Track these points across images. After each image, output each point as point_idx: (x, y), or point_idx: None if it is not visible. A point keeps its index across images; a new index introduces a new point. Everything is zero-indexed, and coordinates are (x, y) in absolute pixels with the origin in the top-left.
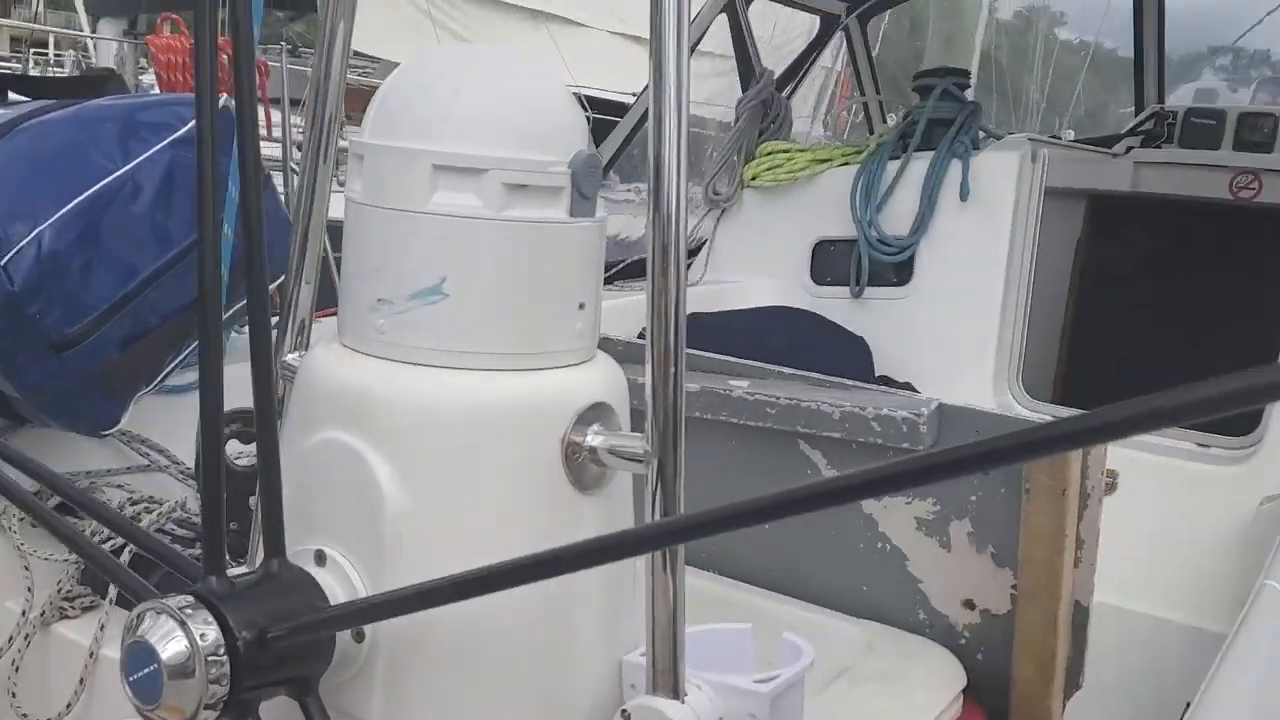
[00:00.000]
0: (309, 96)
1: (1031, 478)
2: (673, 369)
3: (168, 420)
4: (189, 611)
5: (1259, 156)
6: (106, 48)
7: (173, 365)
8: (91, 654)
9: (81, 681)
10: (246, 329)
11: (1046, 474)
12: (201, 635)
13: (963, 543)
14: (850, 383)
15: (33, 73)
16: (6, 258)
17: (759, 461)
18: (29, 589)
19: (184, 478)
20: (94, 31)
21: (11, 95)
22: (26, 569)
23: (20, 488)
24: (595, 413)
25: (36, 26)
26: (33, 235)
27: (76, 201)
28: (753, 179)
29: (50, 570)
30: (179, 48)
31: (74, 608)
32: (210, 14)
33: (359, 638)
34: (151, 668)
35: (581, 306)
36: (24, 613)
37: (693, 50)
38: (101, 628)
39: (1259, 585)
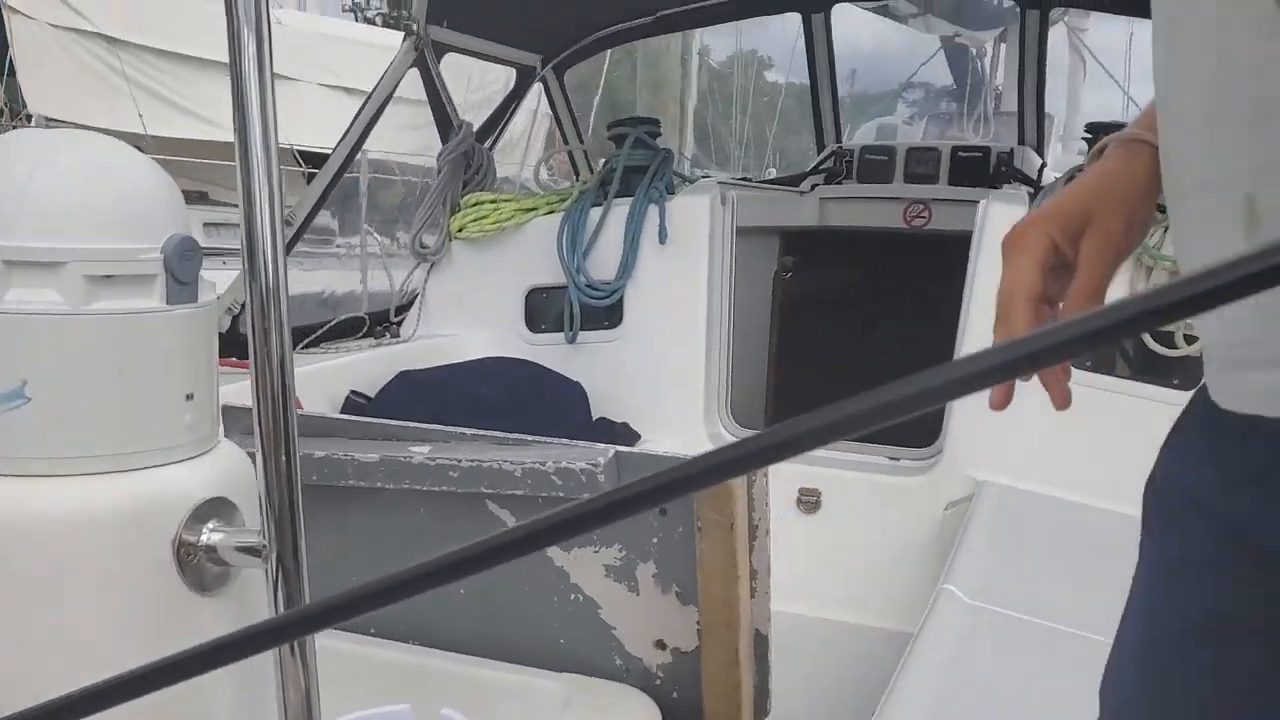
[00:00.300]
0: None
1: (702, 515)
2: (284, 454)
3: None
4: None
5: (927, 187)
6: None
7: None
8: None
9: None
10: None
11: (714, 510)
12: None
13: (649, 585)
14: (531, 438)
15: None
16: None
17: (448, 527)
18: None
19: None
20: None
21: None
22: None
23: None
24: (212, 508)
25: None
26: None
27: None
28: (460, 230)
29: None
30: None
31: None
32: None
33: None
34: None
35: (190, 397)
36: None
37: (385, 104)
38: None
39: (938, 589)
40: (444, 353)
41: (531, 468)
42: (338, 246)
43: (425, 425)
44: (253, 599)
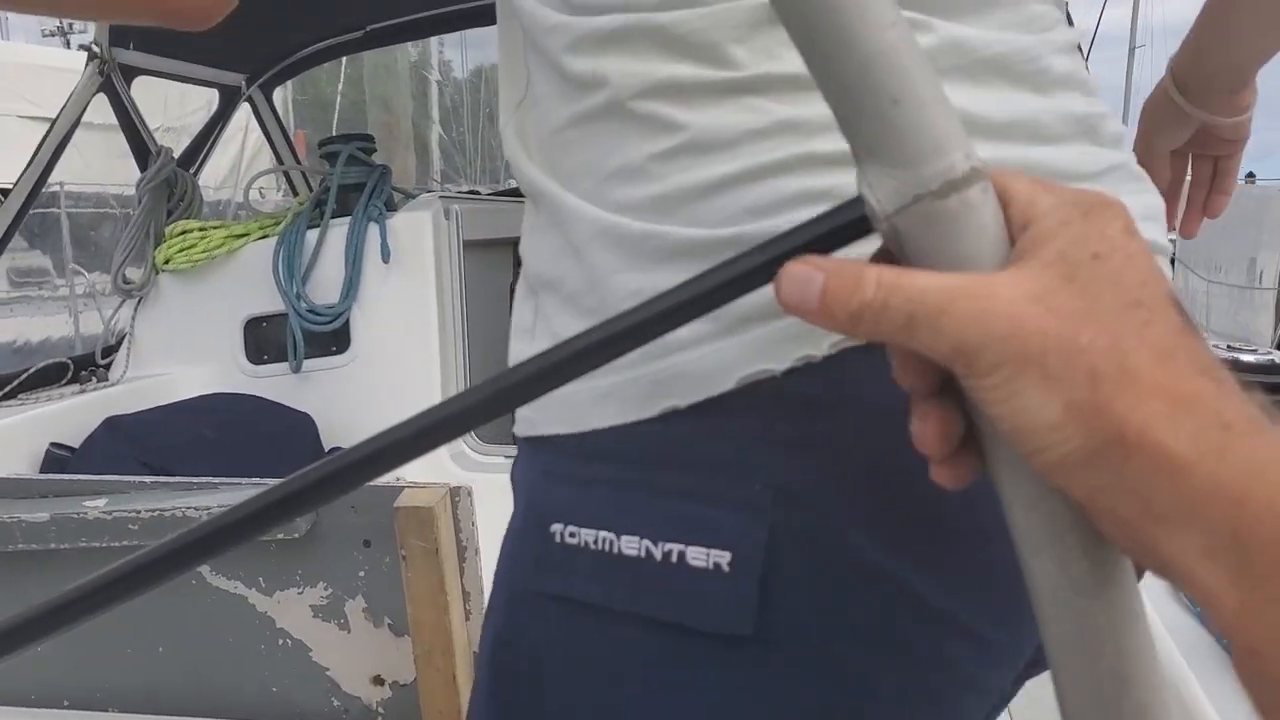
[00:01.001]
0: None
1: (405, 543)
2: None
3: None
4: None
5: None
6: None
7: None
8: None
9: None
10: None
11: (417, 536)
12: None
13: (360, 621)
14: (217, 480)
15: None
16: None
17: None
18: None
19: None
20: None
21: None
22: None
23: None
24: None
25: None
26: None
27: None
28: (166, 262)
29: None
30: None
31: None
32: None
33: None
34: None
35: None
36: None
37: (70, 134)
38: None
39: None
40: (157, 394)
41: (219, 512)
42: (40, 288)
43: (102, 477)
44: None
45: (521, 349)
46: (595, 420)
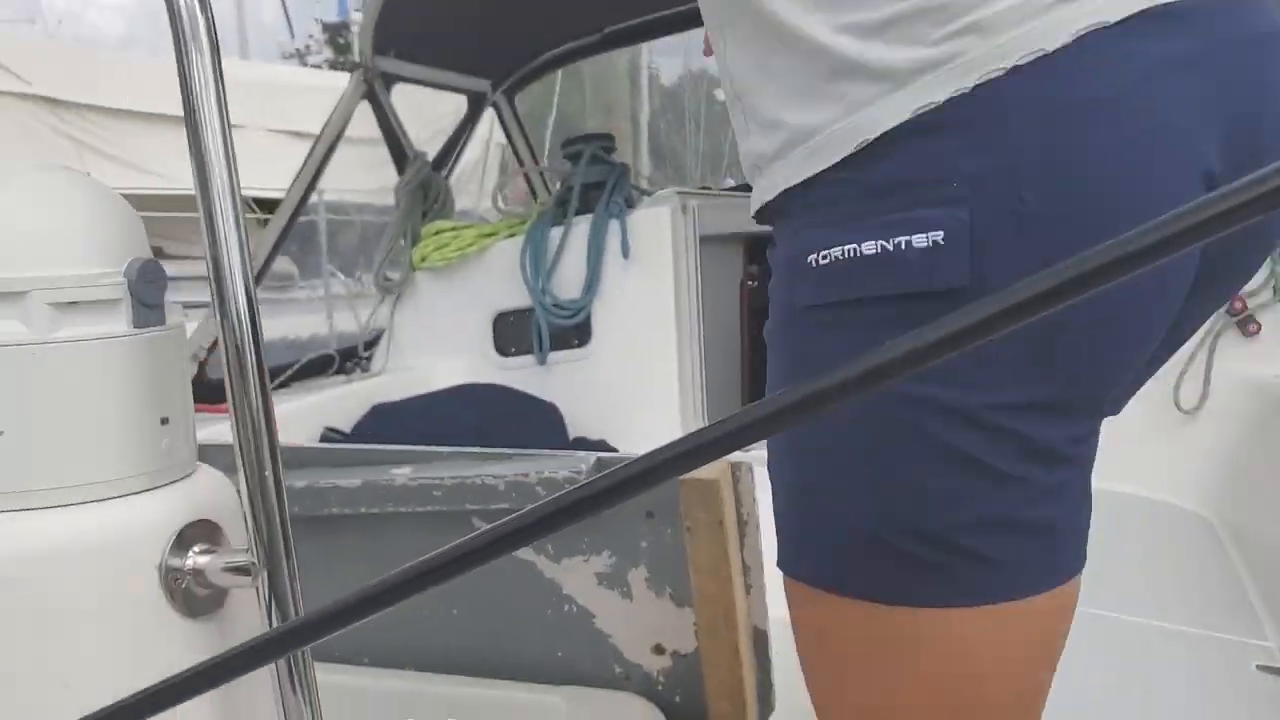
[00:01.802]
0: None
1: (690, 515)
2: (267, 471)
3: None
4: None
5: None
6: None
7: None
8: None
9: None
10: None
11: (702, 508)
12: None
13: (642, 590)
14: (511, 451)
15: None
16: None
17: (435, 547)
18: None
19: None
20: None
21: None
22: None
23: None
24: (197, 531)
25: None
26: None
27: None
28: (422, 260)
29: None
30: None
31: None
32: None
33: None
34: None
35: (165, 421)
36: None
37: (338, 140)
38: None
39: None
40: (415, 383)
41: (515, 480)
42: (300, 288)
43: (404, 447)
44: (244, 622)
45: (749, 147)
46: (813, 168)
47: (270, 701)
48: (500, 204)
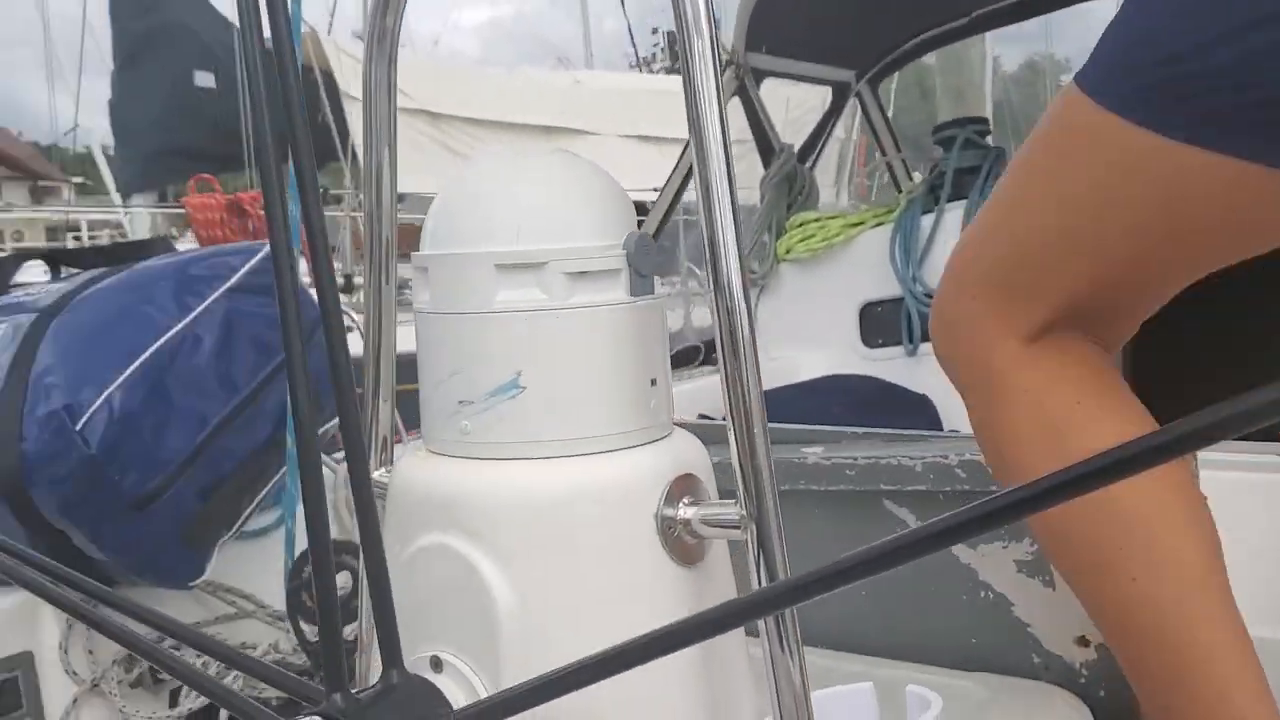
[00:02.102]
0: (366, 222)
1: None
2: (756, 428)
3: (249, 566)
4: None
5: None
6: (140, 223)
7: (250, 510)
8: None
9: None
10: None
11: None
12: None
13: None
14: (925, 433)
15: None
16: (81, 423)
17: (844, 527)
18: None
19: (273, 620)
20: (126, 211)
21: (63, 269)
22: None
23: (140, 635)
24: (684, 485)
25: (72, 209)
26: (103, 399)
27: (141, 360)
28: (787, 252)
29: None
30: (213, 204)
31: None
32: (277, 163)
33: None
34: None
35: (653, 383)
36: None
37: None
38: None
39: None
40: (782, 373)
41: (933, 462)
42: (662, 285)
43: (814, 427)
44: (719, 576)
45: None
46: None
47: (736, 660)
48: (850, 196)
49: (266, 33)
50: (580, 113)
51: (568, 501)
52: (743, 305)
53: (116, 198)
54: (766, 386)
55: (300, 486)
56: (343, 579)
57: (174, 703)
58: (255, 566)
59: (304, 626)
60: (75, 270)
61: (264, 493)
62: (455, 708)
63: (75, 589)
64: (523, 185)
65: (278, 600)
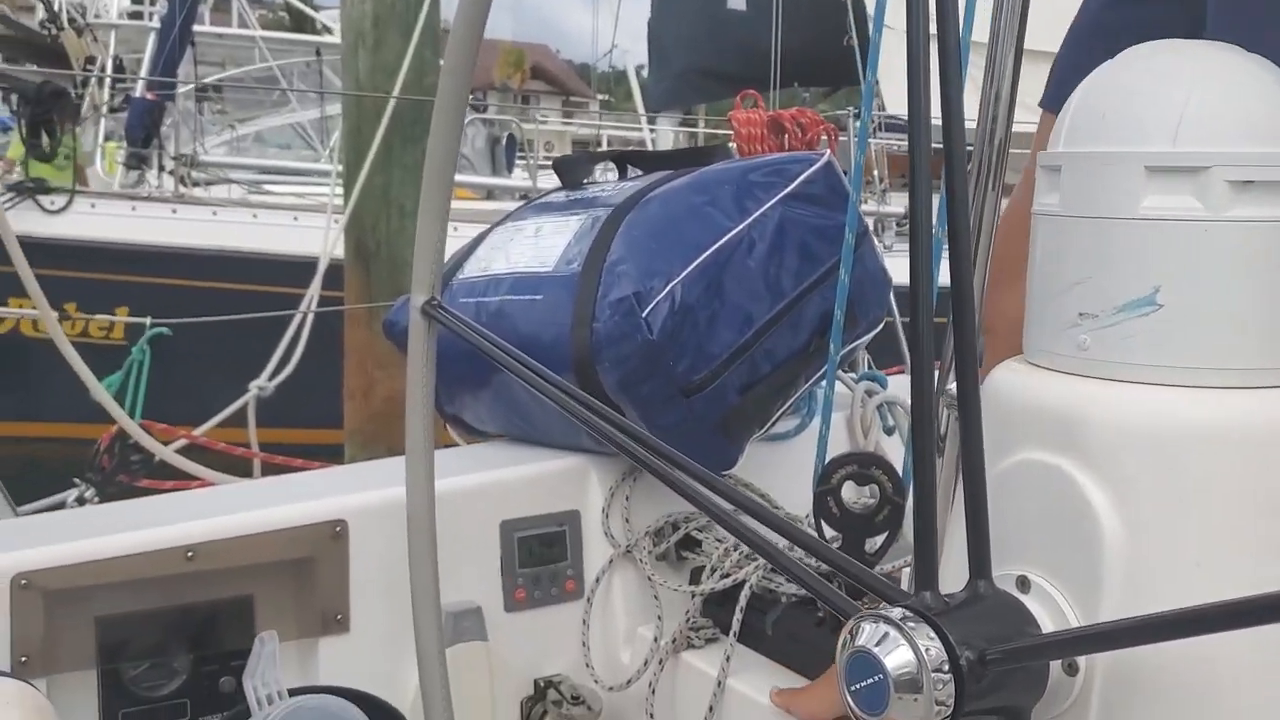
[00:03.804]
0: (979, 125)
1: None
2: None
3: (770, 467)
4: (910, 625)
5: None
6: (664, 139)
7: (780, 412)
8: (719, 683)
9: (711, 709)
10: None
11: None
12: (926, 649)
13: None
14: None
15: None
16: (647, 310)
17: None
18: (659, 617)
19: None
20: (652, 131)
21: (629, 170)
22: (656, 599)
23: (718, 502)
24: None
25: (601, 125)
26: (667, 290)
27: (702, 258)
28: None
29: (676, 601)
30: (756, 120)
31: (698, 638)
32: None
33: (1071, 670)
34: (876, 678)
35: None
36: (656, 639)
37: None
38: (727, 659)
39: None
40: None
41: None
42: None
43: None
44: None
45: None
46: None
47: None
48: None
49: None
50: None
51: (1207, 438)
52: None
53: (644, 121)
54: None
55: (916, 411)
56: (871, 491)
57: (694, 580)
58: (771, 470)
59: (827, 532)
60: (639, 172)
61: (795, 397)
62: (1041, 631)
63: (660, 458)
64: (1183, 79)
65: (791, 505)
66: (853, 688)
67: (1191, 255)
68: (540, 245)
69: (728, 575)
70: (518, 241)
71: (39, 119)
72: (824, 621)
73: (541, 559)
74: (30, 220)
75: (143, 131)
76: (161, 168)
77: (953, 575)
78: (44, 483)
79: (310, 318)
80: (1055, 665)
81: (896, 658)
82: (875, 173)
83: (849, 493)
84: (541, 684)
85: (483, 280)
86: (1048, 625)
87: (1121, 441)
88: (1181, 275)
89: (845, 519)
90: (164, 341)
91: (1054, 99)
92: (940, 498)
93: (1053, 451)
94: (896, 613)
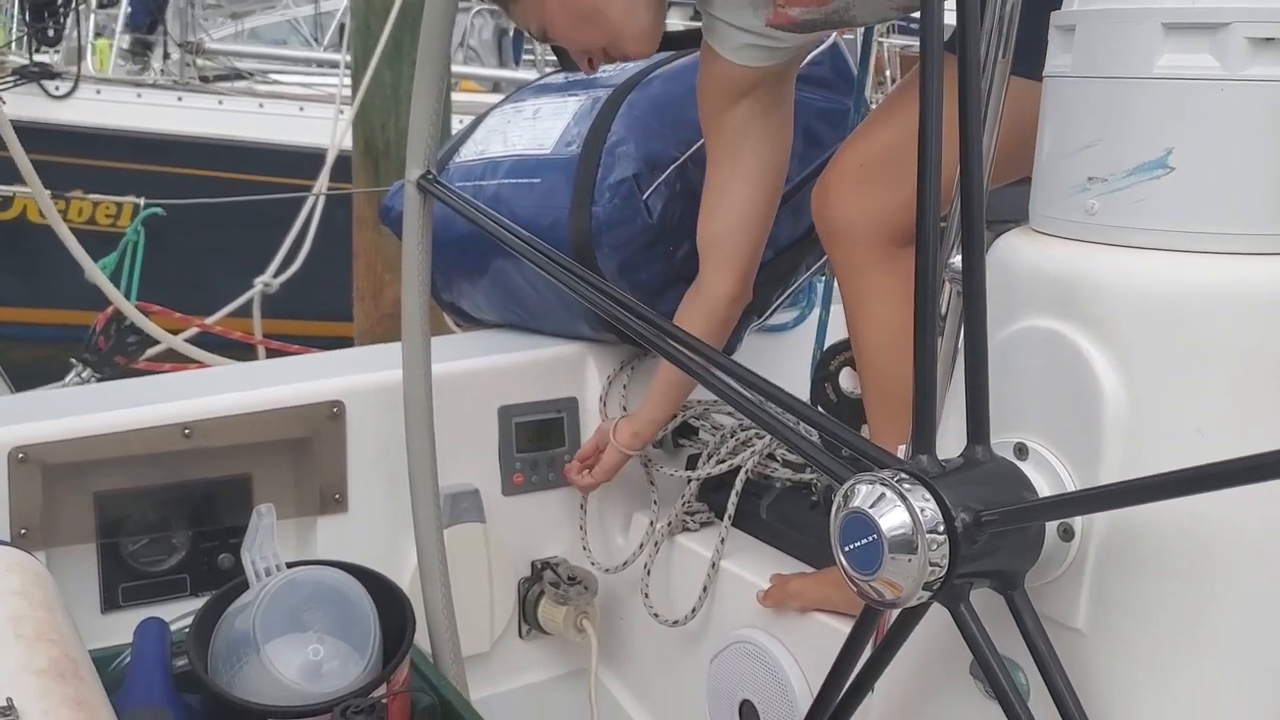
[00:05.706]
0: None
1: None
2: None
3: (767, 358)
4: (906, 486)
5: None
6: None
7: (780, 301)
8: (713, 564)
9: (705, 589)
10: None
11: None
12: (921, 510)
13: None
14: None
15: None
16: (647, 193)
17: None
18: (655, 502)
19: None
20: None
21: None
22: (652, 484)
23: (735, 387)
24: None
25: None
26: (667, 173)
27: (701, 141)
28: None
29: (672, 487)
30: None
31: (694, 522)
32: None
33: (1067, 535)
34: (870, 539)
35: None
36: (652, 523)
37: None
38: (721, 541)
39: None
40: None
41: None
42: None
43: None
44: None
45: None
46: None
47: None
48: None
49: None
50: None
51: (1214, 303)
52: None
53: None
54: None
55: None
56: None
57: (691, 466)
58: (767, 360)
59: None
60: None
61: (795, 287)
62: (1039, 495)
63: (666, 337)
64: None
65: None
66: (846, 548)
67: (1206, 116)
68: (538, 127)
69: (723, 461)
70: (516, 124)
71: (42, 2)
72: (817, 505)
73: (539, 444)
74: (35, 106)
75: (148, 18)
76: (167, 55)
77: (951, 446)
78: (48, 369)
79: (320, 208)
80: (1051, 531)
81: (892, 518)
82: (887, 72)
83: (846, 381)
84: (539, 565)
85: (480, 164)
86: (1045, 491)
87: (1126, 306)
88: (1195, 137)
89: (842, 404)
90: (163, 227)
91: None
92: (941, 366)
93: (1055, 318)
94: (892, 475)
